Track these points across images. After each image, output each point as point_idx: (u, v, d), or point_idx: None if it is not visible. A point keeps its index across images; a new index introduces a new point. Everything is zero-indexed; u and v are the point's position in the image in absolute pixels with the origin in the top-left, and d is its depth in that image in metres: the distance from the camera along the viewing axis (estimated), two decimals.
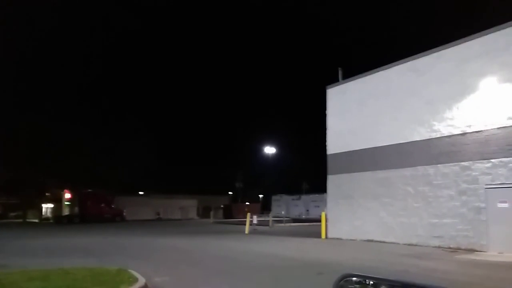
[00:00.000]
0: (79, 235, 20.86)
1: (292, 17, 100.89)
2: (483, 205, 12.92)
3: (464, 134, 13.79)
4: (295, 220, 34.69)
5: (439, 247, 13.69)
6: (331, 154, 19.15)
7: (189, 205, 51.71)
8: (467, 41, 14.02)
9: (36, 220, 45.87)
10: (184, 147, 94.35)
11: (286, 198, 44.58)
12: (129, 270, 8.20)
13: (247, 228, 22.76)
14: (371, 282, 1.60)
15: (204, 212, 50.40)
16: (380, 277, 1.59)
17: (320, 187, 27.92)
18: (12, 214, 51.28)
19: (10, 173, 41.87)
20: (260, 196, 66.44)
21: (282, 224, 30.01)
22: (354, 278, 1.65)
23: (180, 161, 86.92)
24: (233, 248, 14.59)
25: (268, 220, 28.69)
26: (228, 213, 47.06)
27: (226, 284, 7.91)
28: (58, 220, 38.78)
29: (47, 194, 46.49)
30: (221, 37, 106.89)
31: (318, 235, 18.54)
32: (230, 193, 66.48)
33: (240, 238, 19.14)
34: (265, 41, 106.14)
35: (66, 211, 40.78)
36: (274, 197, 46.56)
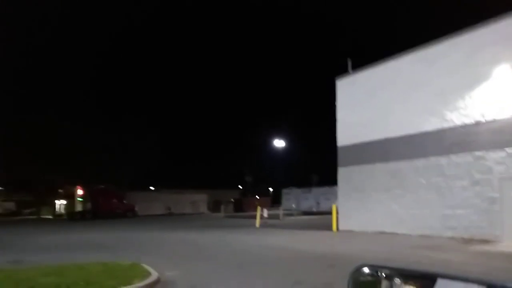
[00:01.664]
0: (92, 231, 21.13)
1: (301, 9, 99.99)
2: (497, 195, 12.71)
3: (477, 123, 13.54)
4: (306, 213, 34.71)
5: (452, 238, 13.53)
6: (341, 146, 19.01)
7: (200, 199, 52.02)
8: (480, 28, 13.71)
9: (50, 217, 46.64)
10: (194, 142, 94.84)
11: (296, 191, 44.43)
12: (142, 265, 8.27)
13: (257, 221, 22.80)
14: (385, 274, 1.55)
15: (214, 207, 50.66)
16: (399, 267, 1.54)
17: (330, 180, 27.80)
18: (27, 211, 52.24)
19: (23, 171, 42.59)
20: (270, 189, 66.50)
21: (293, 217, 30.02)
22: (365, 270, 1.60)
23: (190, 156, 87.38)
24: (245, 241, 14.62)
25: (279, 214, 28.70)
26: (239, 207, 47.24)
27: (238, 277, 7.93)
28: (71, 216, 39.34)
29: (60, 190, 47.15)
30: (229, 31, 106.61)
31: (329, 227, 18.48)
32: (240, 187, 66.69)
33: (251, 231, 19.18)
34: (273, 34, 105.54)
35: (78, 207, 41.30)
36: (284, 191, 46.44)
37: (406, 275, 1.50)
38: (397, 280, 1.50)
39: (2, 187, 56.27)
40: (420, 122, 15.41)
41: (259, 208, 24.29)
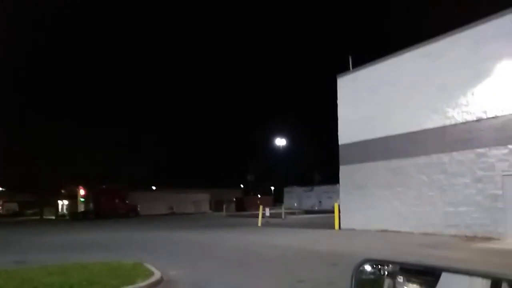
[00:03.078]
0: (95, 231, 21.17)
1: (302, 6, 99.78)
2: (500, 192, 12.67)
3: (479, 120, 13.49)
4: (308, 212, 34.70)
5: (454, 236, 13.49)
6: (343, 144, 18.98)
7: (202, 199, 52.09)
8: (482, 24, 13.65)
9: (53, 217, 46.73)
10: (195, 142, 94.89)
11: (298, 190, 44.41)
12: (145, 264, 8.28)
13: (259, 220, 22.81)
14: (390, 271, 1.54)
15: (216, 206, 50.70)
16: (403, 261, 1.53)
17: (332, 178, 27.79)
18: (29, 211, 52.31)
19: (26, 172, 42.70)
20: (272, 188, 66.48)
21: (295, 216, 30.02)
22: (368, 266, 1.59)
23: (192, 156, 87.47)
24: (247, 240, 14.63)
25: (281, 212, 28.70)
26: (241, 206, 47.26)
27: (240, 276, 7.93)
28: (74, 217, 39.44)
29: (62, 191, 47.25)
30: (231, 30, 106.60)
31: (331, 226, 18.47)
32: (242, 186, 66.72)
33: (253, 230, 19.18)
34: (275, 32, 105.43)
35: (81, 208, 41.40)
36: (286, 189, 46.43)
37: (410, 270, 1.50)
38: (400, 278, 1.49)
39: (4, 188, 56.44)
40: (422, 119, 15.36)
41: (261, 207, 24.29)
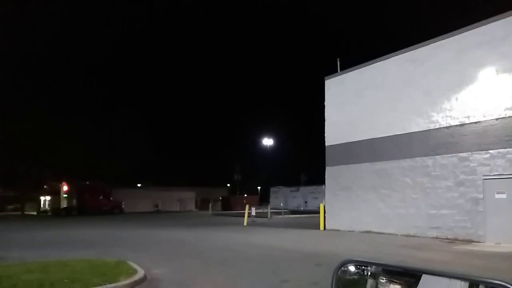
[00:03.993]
0: (78, 228, 20.86)
1: (290, 7, 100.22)
2: (481, 196, 12.96)
3: (462, 125, 13.78)
4: (294, 212, 34.82)
5: (437, 238, 13.76)
6: (329, 146, 19.14)
7: (188, 197, 51.82)
8: (466, 31, 13.95)
9: (34, 213, 45.85)
10: (182, 140, 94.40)
11: (284, 190, 44.50)
12: (128, 262, 8.20)
13: (245, 220, 22.81)
14: (370, 272, 1.57)
15: (202, 204, 50.50)
16: (384, 263, 1.56)
17: (318, 179, 27.97)
18: (10, 207, 51.14)
19: (7, 166, 41.69)
20: (258, 188, 66.57)
21: (281, 216, 30.11)
22: (351, 267, 1.61)
23: (178, 154, 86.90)
24: (232, 240, 14.62)
25: (267, 212, 28.75)
26: (227, 205, 47.14)
27: (224, 275, 7.93)
28: (56, 213, 38.75)
29: (45, 186, 46.34)
30: (217, 29, 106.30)
31: (316, 226, 18.61)
32: (228, 185, 66.60)
33: (239, 230, 19.18)
34: (262, 32, 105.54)
35: (64, 204, 40.69)
36: (272, 189, 46.48)
37: (391, 272, 1.52)
38: (383, 279, 1.52)
39: None
40: (407, 123, 15.60)
41: (247, 206, 24.30)
